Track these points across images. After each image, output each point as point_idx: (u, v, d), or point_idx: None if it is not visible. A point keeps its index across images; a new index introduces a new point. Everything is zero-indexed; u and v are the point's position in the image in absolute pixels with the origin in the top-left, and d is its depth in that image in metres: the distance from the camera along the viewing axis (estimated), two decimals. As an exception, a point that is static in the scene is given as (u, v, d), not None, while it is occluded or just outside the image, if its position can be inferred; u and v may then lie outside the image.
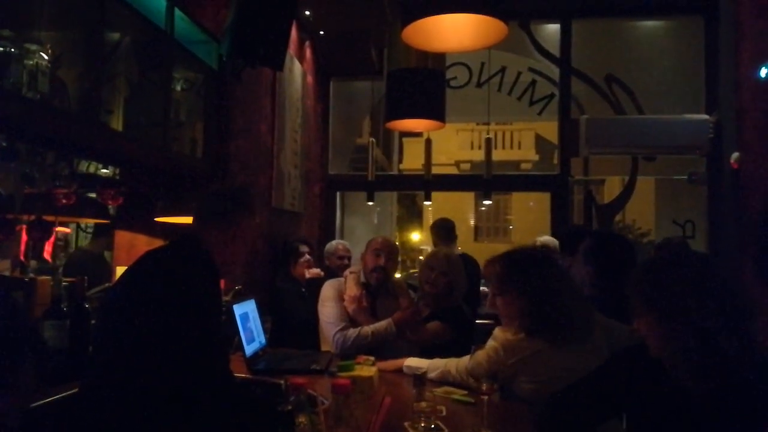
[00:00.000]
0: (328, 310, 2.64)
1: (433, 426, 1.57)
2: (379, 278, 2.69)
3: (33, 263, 3.34)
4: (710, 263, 1.37)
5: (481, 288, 4.17)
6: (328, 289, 2.72)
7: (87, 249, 3.86)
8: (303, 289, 3.76)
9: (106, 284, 2.83)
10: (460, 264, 2.78)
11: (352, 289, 2.66)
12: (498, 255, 1.98)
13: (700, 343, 1.23)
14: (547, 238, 4.06)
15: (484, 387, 1.64)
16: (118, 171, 3.33)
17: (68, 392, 1.77)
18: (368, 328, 2.54)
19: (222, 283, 1.81)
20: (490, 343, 1.90)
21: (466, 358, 2.02)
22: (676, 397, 1.31)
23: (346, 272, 2.82)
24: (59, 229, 3.63)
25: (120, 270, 2.95)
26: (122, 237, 3.30)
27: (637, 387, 1.40)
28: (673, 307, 1.26)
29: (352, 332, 2.54)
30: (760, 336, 1.31)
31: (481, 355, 1.89)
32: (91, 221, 3.61)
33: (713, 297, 1.24)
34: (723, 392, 1.24)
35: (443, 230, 4.25)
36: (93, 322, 2.02)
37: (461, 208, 14.38)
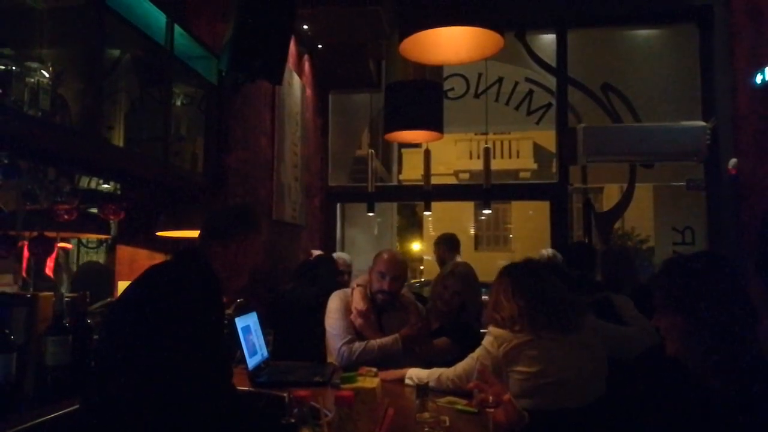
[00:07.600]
0: (334, 321, 2.62)
1: (436, 436, 1.57)
2: (384, 300, 2.65)
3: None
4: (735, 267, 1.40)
5: (483, 297, 4.17)
6: (334, 300, 2.70)
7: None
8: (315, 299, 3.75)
9: (109, 299, 2.84)
10: (476, 283, 2.75)
11: (358, 303, 2.63)
12: (514, 262, 2.16)
13: (721, 343, 1.27)
14: (551, 251, 4.06)
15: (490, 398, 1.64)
16: (119, 186, 3.35)
17: (70, 408, 1.77)
18: (374, 343, 2.52)
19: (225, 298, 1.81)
20: (485, 338, 1.97)
21: (462, 364, 2.04)
22: (700, 396, 1.33)
23: (353, 284, 2.79)
24: (61, 244, 3.63)
25: (122, 285, 2.96)
26: (124, 252, 3.30)
27: (661, 388, 1.43)
28: (696, 307, 1.30)
29: (358, 346, 2.52)
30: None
31: (482, 356, 1.92)
32: (93, 236, 3.61)
33: (735, 298, 1.29)
34: (745, 392, 1.26)
35: (448, 243, 4.49)
36: (96, 337, 2.02)
37: (461, 218, 14.40)
